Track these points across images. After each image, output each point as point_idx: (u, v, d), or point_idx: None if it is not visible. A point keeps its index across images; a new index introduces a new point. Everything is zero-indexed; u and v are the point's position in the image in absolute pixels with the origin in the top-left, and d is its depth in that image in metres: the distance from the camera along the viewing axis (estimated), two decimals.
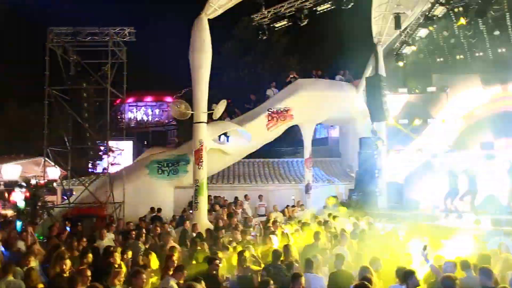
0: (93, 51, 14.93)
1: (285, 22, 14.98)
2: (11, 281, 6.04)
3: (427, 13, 14.66)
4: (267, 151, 21.39)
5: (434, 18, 14.49)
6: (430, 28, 15.33)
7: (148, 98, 45.90)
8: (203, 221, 12.67)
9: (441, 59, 19.69)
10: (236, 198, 16.11)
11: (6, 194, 20.90)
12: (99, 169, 25.35)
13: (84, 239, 8.76)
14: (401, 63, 17.75)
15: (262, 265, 7.24)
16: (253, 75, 27.18)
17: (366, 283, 5.13)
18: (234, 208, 14.73)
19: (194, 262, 7.62)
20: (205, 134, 13.45)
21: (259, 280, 6.45)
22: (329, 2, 14.16)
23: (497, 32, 16.37)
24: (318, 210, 15.14)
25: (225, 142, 15.61)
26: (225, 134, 15.60)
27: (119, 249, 7.69)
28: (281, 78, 19.72)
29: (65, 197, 16.73)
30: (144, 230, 10.20)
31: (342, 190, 18.61)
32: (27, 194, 18.06)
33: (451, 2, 13.94)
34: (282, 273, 6.58)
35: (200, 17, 13.07)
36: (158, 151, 16.91)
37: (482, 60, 18.41)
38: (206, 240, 9.27)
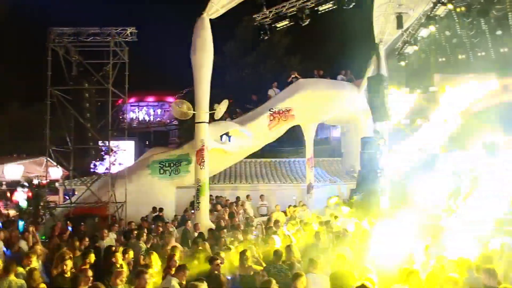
0: (95, 51, 14.94)
1: (287, 22, 14.95)
2: (12, 280, 6.06)
3: (429, 13, 14.63)
4: (268, 151, 21.41)
5: (436, 17, 14.46)
6: (432, 27, 15.30)
7: (150, 98, 45.97)
8: (205, 221, 12.66)
9: (443, 58, 19.66)
10: (237, 198, 16.12)
11: (9, 194, 20.98)
12: (101, 169, 25.38)
13: (87, 239, 8.78)
14: (403, 63, 17.72)
15: (264, 265, 7.25)
16: (254, 75, 27.21)
17: (367, 283, 5.13)
18: (235, 208, 14.73)
19: (195, 262, 7.62)
20: (207, 134, 13.44)
21: (261, 280, 6.44)
22: (331, 2, 14.11)
23: (499, 32, 16.32)
24: (320, 210, 15.15)
25: (227, 142, 15.61)
26: (226, 134, 15.59)
27: (120, 249, 7.70)
28: (282, 78, 19.72)
29: (67, 197, 16.76)
30: (145, 230, 10.22)
31: (344, 190, 18.58)
32: (29, 194, 18.08)
33: (453, 1, 13.90)
34: (282, 273, 6.56)
35: (202, 17, 13.06)
36: (159, 151, 16.91)
37: (484, 60, 18.38)
38: (208, 240, 9.28)
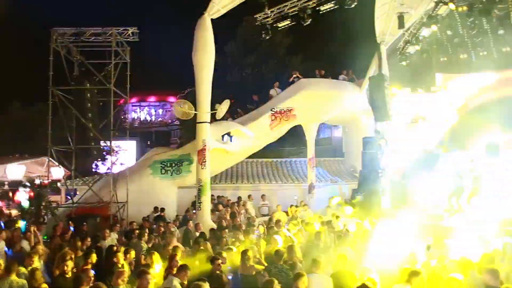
0: (97, 51, 14.97)
1: (288, 22, 14.94)
2: (14, 280, 6.07)
3: (430, 12, 14.61)
4: (270, 151, 21.38)
5: (438, 17, 14.44)
6: (434, 27, 15.27)
7: (152, 98, 46.05)
8: (206, 221, 12.67)
9: (445, 58, 19.61)
10: (239, 198, 16.12)
11: (11, 194, 21.04)
12: (102, 169, 25.41)
13: (89, 239, 8.79)
14: (404, 63, 17.69)
15: (265, 265, 7.25)
16: (256, 75, 27.20)
17: (368, 283, 5.13)
18: (237, 208, 14.74)
19: (197, 262, 7.63)
20: (209, 134, 13.45)
21: (263, 280, 6.43)
22: (332, 2, 14.11)
23: (501, 31, 16.28)
24: (321, 210, 15.14)
25: (229, 142, 15.62)
26: (228, 134, 15.60)
27: (122, 249, 7.71)
28: (284, 78, 19.73)
29: (69, 197, 16.79)
30: (147, 230, 10.23)
31: (346, 190, 18.57)
32: (31, 194, 18.16)
33: (455, 1, 13.88)
34: (283, 273, 6.56)
35: (203, 17, 13.05)
36: (161, 151, 16.93)
37: (486, 59, 18.31)
38: (209, 240, 9.29)
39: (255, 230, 10.56)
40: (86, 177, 18.37)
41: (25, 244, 8.88)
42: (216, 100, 13.87)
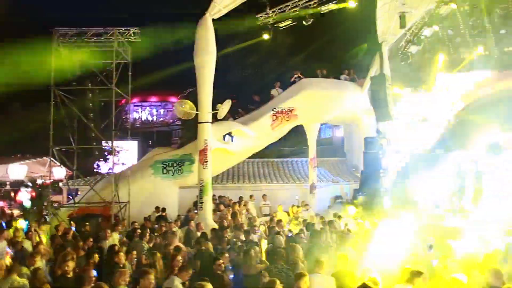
0: (98, 52, 14.98)
1: (290, 22, 14.97)
2: (15, 280, 6.08)
3: (432, 12, 14.59)
4: (271, 151, 21.39)
5: (440, 17, 14.42)
6: (436, 27, 15.25)
7: (153, 98, 46.04)
8: (208, 221, 12.68)
9: (447, 58, 19.57)
10: (240, 198, 16.12)
11: (12, 194, 21.08)
12: (104, 169, 25.45)
13: (91, 239, 8.80)
14: (406, 62, 17.66)
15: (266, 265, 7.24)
16: (257, 75, 27.20)
17: (369, 283, 5.12)
18: (238, 207, 14.73)
19: (198, 262, 7.64)
20: (210, 134, 13.46)
21: (264, 280, 6.43)
22: (334, 2, 14.12)
23: (503, 31, 16.25)
24: (323, 210, 15.14)
25: (230, 142, 15.62)
26: (229, 134, 15.60)
27: (123, 249, 7.72)
28: (285, 78, 19.69)
29: (71, 197, 16.82)
30: (148, 230, 10.24)
31: (347, 190, 18.55)
32: (33, 193, 18.18)
33: (457, 0, 13.86)
34: (283, 273, 6.55)
35: (205, 17, 13.06)
36: (162, 151, 16.94)
37: (488, 59, 18.27)
38: (211, 240, 9.30)
39: (256, 230, 10.56)
40: (88, 177, 18.38)
41: (28, 244, 8.89)
42: (217, 100, 13.87)
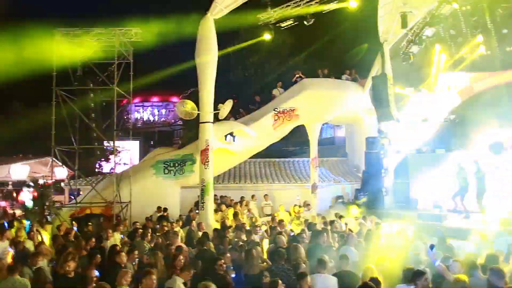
0: (100, 51, 14.99)
1: (291, 22, 14.95)
2: (17, 280, 6.09)
3: (434, 12, 14.57)
4: (273, 150, 21.38)
5: (441, 16, 14.39)
6: (437, 26, 15.22)
7: (155, 98, 46.10)
8: (210, 221, 12.69)
9: (448, 58, 19.54)
10: (242, 197, 16.12)
11: (15, 194, 21.13)
12: (106, 169, 25.49)
13: (93, 239, 8.81)
14: (407, 62, 17.63)
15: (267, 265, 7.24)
16: (259, 74, 27.21)
17: (370, 283, 5.12)
18: (240, 207, 14.74)
19: (200, 262, 7.63)
20: (212, 134, 13.46)
21: (266, 280, 6.43)
22: (335, 2, 14.11)
23: (505, 31, 16.21)
24: (324, 210, 15.13)
25: (231, 142, 15.62)
26: (231, 134, 15.60)
27: (125, 249, 7.72)
28: (287, 78, 19.69)
29: (73, 197, 16.84)
30: (150, 230, 10.25)
31: (349, 190, 18.54)
32: (35, 193, 18.20)
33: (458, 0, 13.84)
34: (284, 273, 6.54)
35: (206, 17, 13.07)
36: (164, 151, 16.96)
37: (490, 59, 18.23)
38: (213, 240, 9.30)
39: (258, 230, 10.56)
40: (90, 177, 18.42)
41: (30, 244, 8.91)
42: (219, 100, 13.88)
